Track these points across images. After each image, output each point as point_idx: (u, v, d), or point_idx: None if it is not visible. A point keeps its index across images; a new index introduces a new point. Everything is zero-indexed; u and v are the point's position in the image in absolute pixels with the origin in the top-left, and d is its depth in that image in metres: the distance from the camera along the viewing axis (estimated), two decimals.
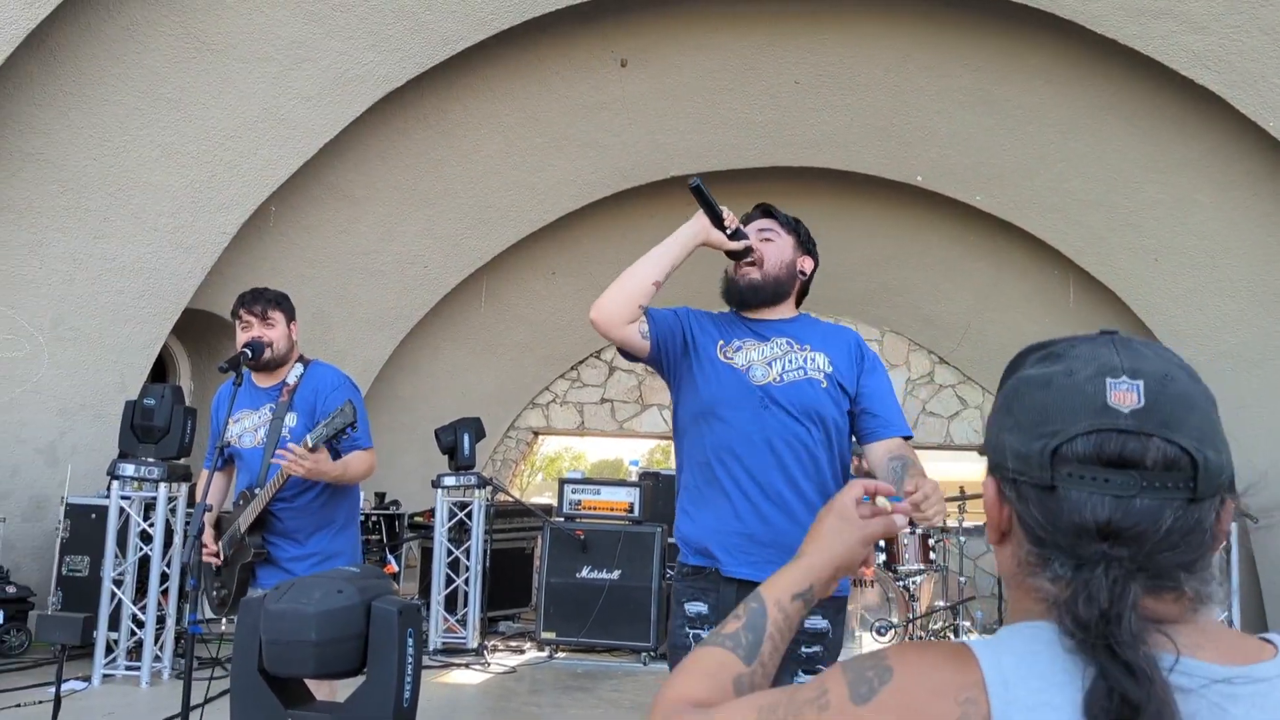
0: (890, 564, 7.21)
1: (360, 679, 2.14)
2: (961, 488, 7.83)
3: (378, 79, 6.84)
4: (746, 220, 2.76)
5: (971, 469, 11.25)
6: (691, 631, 2.54)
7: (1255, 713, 0.78)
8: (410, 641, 2.10)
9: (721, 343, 2.65)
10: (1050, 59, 7.00)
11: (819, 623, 2.51)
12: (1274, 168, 6.88)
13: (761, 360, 2.61)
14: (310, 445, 3.17)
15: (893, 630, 6.96)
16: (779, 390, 2.58)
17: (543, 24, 6.89)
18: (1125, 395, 0.84)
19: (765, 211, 2.78)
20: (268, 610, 2.05)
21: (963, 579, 7.81)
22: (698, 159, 8.54)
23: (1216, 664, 0.80)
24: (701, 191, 2.52)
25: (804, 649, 2.50)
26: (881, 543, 7.48)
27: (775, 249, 2.69)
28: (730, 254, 2.66)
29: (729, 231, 2.60)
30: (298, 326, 3.69)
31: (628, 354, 2.61)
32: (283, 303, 3.63)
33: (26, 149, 6.20)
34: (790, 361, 2.61)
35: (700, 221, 2.57)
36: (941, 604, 7.55)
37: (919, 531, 7.32)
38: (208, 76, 6.40)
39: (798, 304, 2.79)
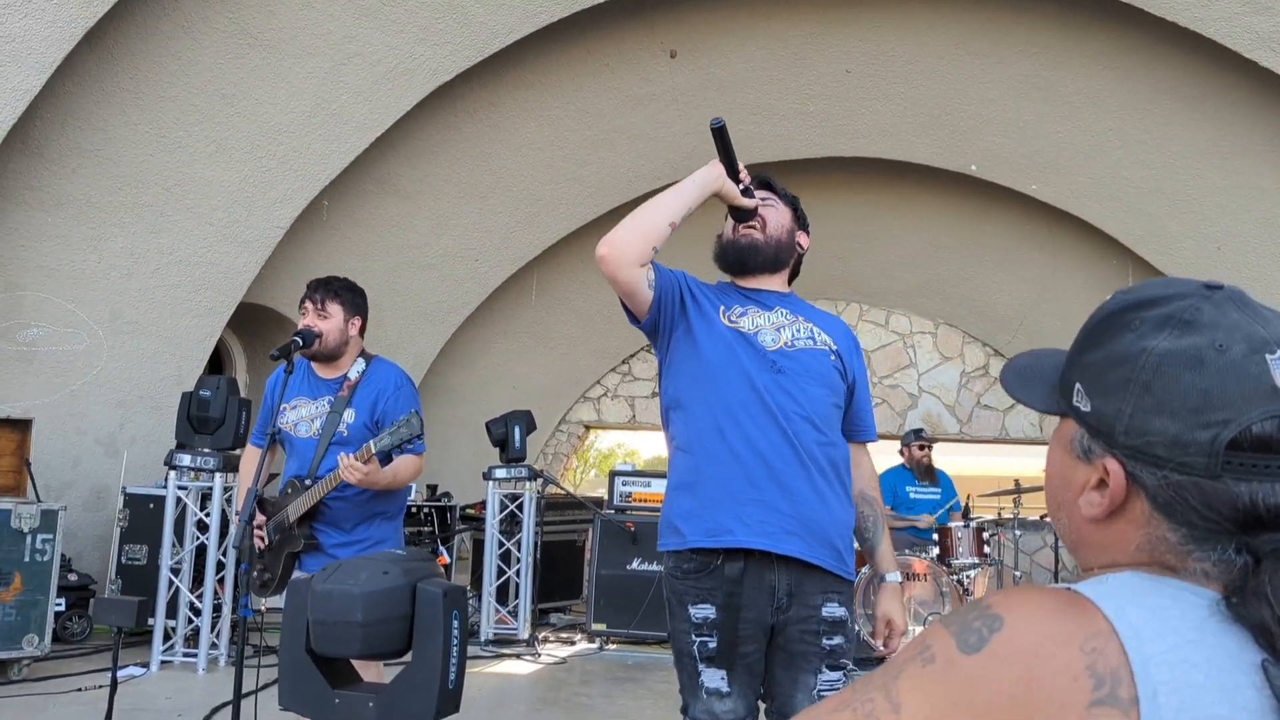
0: (944, 557, 7.11)
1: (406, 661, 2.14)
2: (1016, 480, 7.70)
3: (428, 73, 6.89)
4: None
5: (1026, 462, 11.09)
6: (699, 639, 2.33)
7: None
8: (455, 623, 2.09)
9: (723, 308, 2.47)
10: (1109, 44, 6.87)
11: (837, 610, 2.38)
12: None
13: (770, 326, 2.46)
14: (374, 451, 3.20)
15: None
16: (793, 355, 2.43)
17: (591, 16, 6.89)
18: None
19: (764, 183, 2.59)
20: (315, 591, 2.06)
21: (1018, 573, 7.70)
22: (748, 150, 8.46)
23: None
24: (724, 135, 2.32)
25: (826, 641, 2.37)
26: (935, 535, 7.39)
27: (775, 215, 2.55)
28: (734, 212, 2.50)
29: (741, 187, 2.42)
30: (361, 322, 3.62)
31: (628, 309, 2.43)
32: (343, 294, 3.56)
33: (86, 145, 6.32)
34: (798, 330, 2.48)
35: (717, 168, 2.37)
36: None
37: (973, 525, 7.22)
38: (260, 72, 6.48)
39: (789, 283, 2.65)
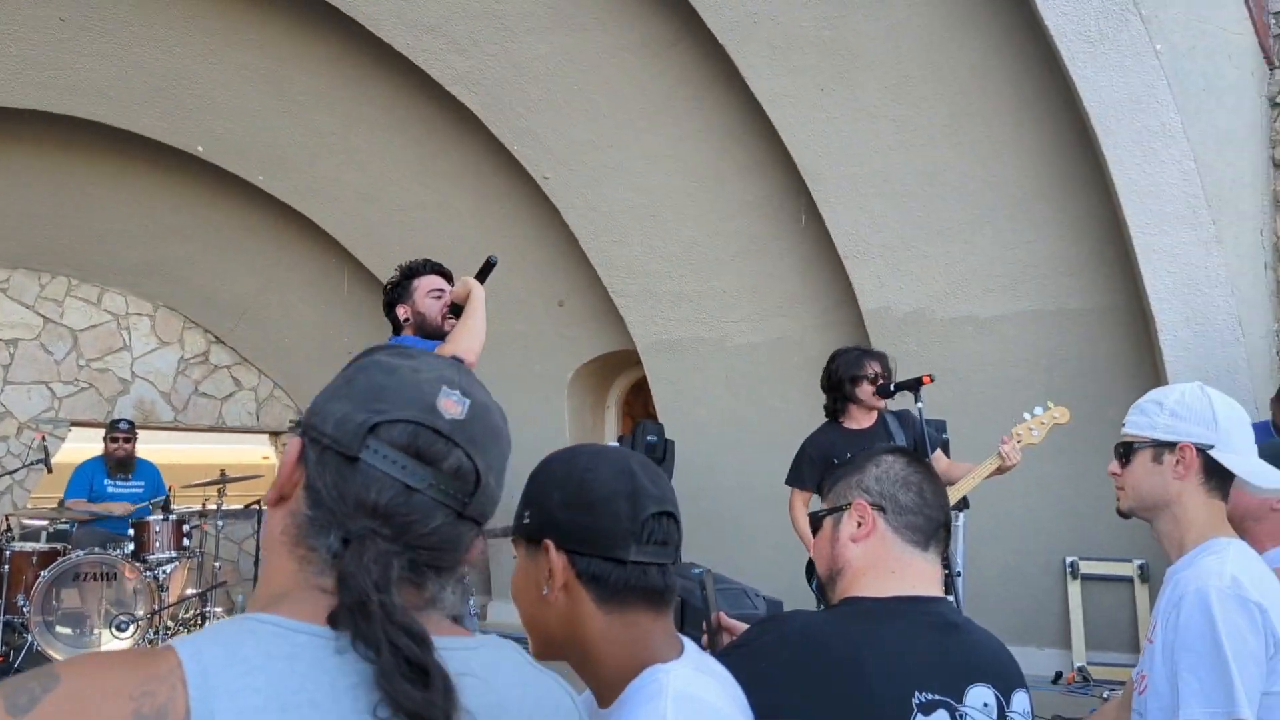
0: (140, 554, 6.79)
1: None
2: (223, 470, 7.65)
3: None
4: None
5: (237, 451, 11.12)
6: None
7: (474, 664, 0.91)
8: None
9: None
10: (336, 50, 7.10)
11: None
12: (520, 186, 7.69)
13: None
14: None
15: (135, 625, 6.58)
16: None
17: None
18: (453, 405, 0.94)
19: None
20: None
21: (218, 564, 7.63)
22: None
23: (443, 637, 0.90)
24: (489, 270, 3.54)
25: None
26: (131, 531, 7.00)
27: None
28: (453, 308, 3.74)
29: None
30: None
31: None
32: None
33: None
34: None
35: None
36: (193, 591, 7.29)
37: (173, 517, 7.00)
38: None
39: None
